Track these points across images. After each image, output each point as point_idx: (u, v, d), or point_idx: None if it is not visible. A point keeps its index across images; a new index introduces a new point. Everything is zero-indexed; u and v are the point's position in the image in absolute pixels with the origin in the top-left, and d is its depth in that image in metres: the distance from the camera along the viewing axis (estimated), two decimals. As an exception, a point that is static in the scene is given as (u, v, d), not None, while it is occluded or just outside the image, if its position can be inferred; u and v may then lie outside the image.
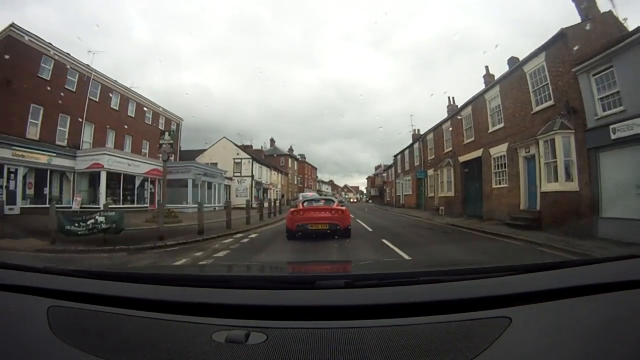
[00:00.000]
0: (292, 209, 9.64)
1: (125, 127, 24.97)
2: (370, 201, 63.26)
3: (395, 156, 33.40)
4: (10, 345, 0.86)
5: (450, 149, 20.01)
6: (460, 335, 0.80)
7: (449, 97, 24.76)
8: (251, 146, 38.05)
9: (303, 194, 27.13)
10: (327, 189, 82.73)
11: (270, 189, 36.66)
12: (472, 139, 17.69)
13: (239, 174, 30.56)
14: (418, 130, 33.26)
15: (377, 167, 75.29)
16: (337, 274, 1.54)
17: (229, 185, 30.44)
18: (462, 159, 18.59)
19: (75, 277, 1.22)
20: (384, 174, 42.77)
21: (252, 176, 29.94)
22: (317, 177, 70.79)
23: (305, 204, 9.71)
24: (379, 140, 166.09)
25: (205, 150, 32.28)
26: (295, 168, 53.44)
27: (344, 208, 9.06)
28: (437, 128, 22.36)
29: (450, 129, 20.23)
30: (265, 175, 35.12)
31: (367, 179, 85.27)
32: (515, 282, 1.04)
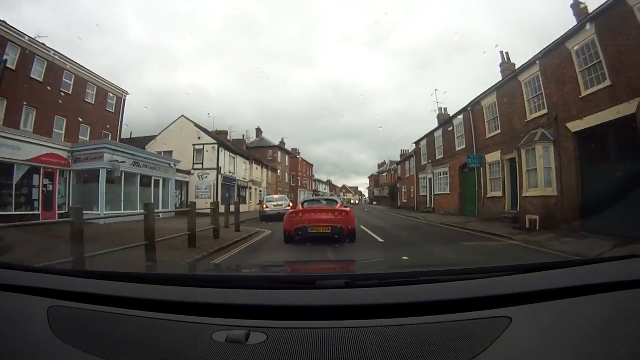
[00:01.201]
0: (290, 210, 8.90)
1: (27, 95, 16.21)
2: (374, 203, 54.48)
3: (418, 142, 24.62)
4: (10, 345, 0.86)
5: (544, 112, 11.29)
6: (460, 335, 0.79)
7: (501, 52, 16.59)
8: (226, 132, 29.24)
9: (268, 196, 19.20)
10: (324, 188, 74.83)
11: (250, 187, 27.79)
12: (606, 83, 9.01)
13: (200, 166, 21.69)
14: (444, 109, 25.10)
15: (380, 165, 68.16)
16: (337, 273, 1.52)
17: (187, 182, 21.61)
18: (575, 125, 9.91)
19: (76, 277, 1.24)
20: (396, 168, 33.82)
21: (218, 168, 21.11)
22: (313, 175, 61.94)
23: (305, 204, 9.19)
24: (377, 141, 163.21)
25: (156, 136, 23.42)
26: (287, 163, 44.55)
27: (347, 209, 8.16)
28: (505, 84, 13.64)
29: (541, 78, 11.51)
30: (243, 169, 26.30)
31: (369, 177, 77.85)
32: (515, 281, 1.03)
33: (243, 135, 35.64)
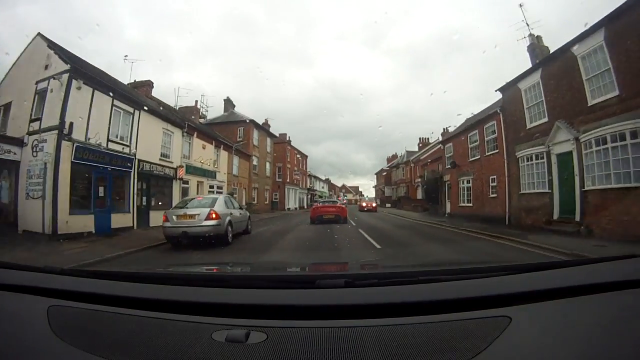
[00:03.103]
0: (313, 207, 16.79)
1: None
2: (388, 205, 42.93)
3: (514, 84, 12.42)
4: (10, 345, 0.88)
5: None
6: (460, 335, 0.81)
7: None
8: (149, 84, 17.58)
9: (194, 200, 10.09)
10: (322, 187, 64.18)
11: (182, 178, 15.68)
12: None
13: (38, 125, 9.94)
14: (539, 37, 14.68)
15: (390, 158, 57.39)
16: (337, 273, 1.54)
17: (17, 162, 9.97)
18: None
19: (76, 276, 1.26)
20: (442, 150, 21.72)
21: (61, 125, 9.15)
22: (307, 170, 50.36)
23: (320, 203, 17.29)
24: (375, 141, 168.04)
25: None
26: (269, 150, 32.85)
27: (343, 206, 16.82)
28: None
29: None
30: (162, 142, 14.15)
31: (376, 174, 66.99)
32: (515, 281, 1.06)
33: (196, 102, 23.98)
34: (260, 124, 31.17)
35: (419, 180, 37.77)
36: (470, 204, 16.43)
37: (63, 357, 0.83)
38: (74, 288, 1.11)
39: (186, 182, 16.27)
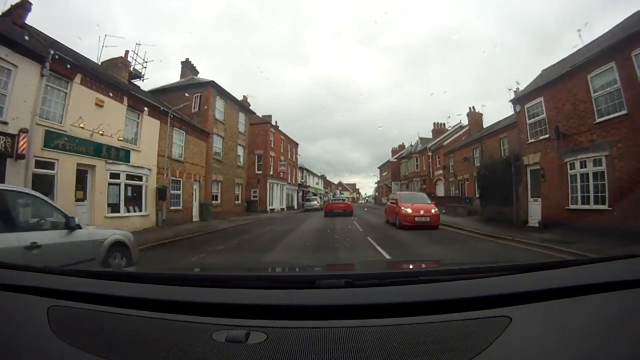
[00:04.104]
0: (326, 203, 25.72)
1: None
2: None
3: None
4: (10, 345, 0.90)
5: None
6: (460, 335, 0.83)
7: None
8: (19, 4, 10.31)
9: None
10: (317, 183, 57.76)
11: (22, 154, 8.44)
12: None
13: None
14: None
15: (397, 149, 52.21)
16: (337, 273, 1.58)
17: None
18: None
19: (75, 276, 1.28)
20: (529, 106, 13.87)
21: None
22: (298, 161, 43.02)
23: (332, 201, 25.62)
24: (371, 139, 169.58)
25: None
26: (242, 129, 25.30)
27: (350, 203, 24.82)
28: None
29: None
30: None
31: (379, 168, 60.78)
32: (516, 281, 1.08)
33: (127, 52, 16.53)
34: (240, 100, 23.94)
35: (442, 172, 30.96)
36: (604, 206, 9.02)
37: (63, 357, 0.85)
38: (74, 288, 1.13)
39: (49, 165, 8.92)
